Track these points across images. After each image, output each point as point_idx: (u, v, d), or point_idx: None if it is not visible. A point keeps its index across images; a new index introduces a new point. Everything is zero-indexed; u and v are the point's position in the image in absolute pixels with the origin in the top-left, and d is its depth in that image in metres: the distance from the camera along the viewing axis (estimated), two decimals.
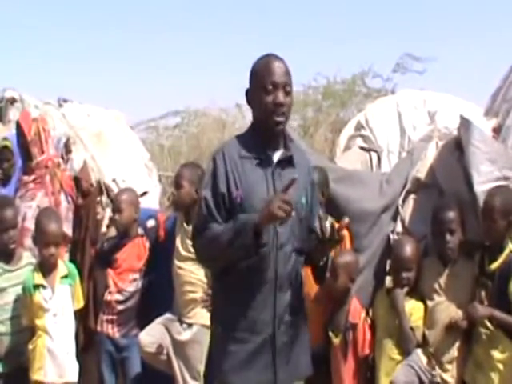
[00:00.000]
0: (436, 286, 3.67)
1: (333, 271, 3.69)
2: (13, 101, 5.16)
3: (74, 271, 4.05)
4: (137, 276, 4.32)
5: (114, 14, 23.89)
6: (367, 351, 3.75)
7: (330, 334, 3.75)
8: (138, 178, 5.20)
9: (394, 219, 4.04)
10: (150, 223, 4.46)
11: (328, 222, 2.58)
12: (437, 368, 3.63)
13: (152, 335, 4.11)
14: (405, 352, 3.67)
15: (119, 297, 4.29)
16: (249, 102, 2.74)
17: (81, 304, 4.08)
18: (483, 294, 3.52)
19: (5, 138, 4.73)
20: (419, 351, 3.67)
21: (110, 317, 4.30)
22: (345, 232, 3.83)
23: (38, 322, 3.83)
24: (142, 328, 4.19)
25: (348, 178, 4.17)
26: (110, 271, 4.33)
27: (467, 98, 4.94)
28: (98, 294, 4.41)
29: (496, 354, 3.44)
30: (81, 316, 4.23)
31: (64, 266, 3.98)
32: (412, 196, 4.06)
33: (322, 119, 10.40)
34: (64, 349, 3.88)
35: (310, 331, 2.85)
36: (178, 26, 22.16)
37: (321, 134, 9.67)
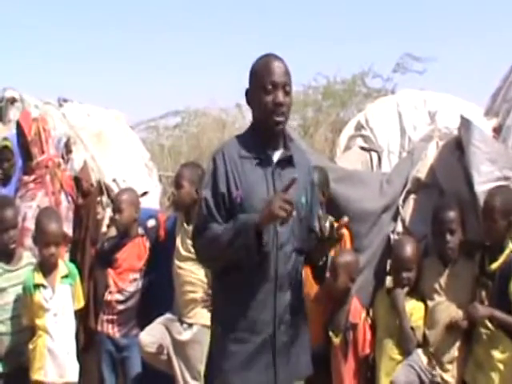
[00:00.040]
0: (436, 285, 3.67)
1: (333, 271, 3.69)
2: (13, 100, 5.16)
3: (75, 271, 4.05)
4: (137, 276, 4.32)
5: (114, 14, 23.91)
6: (367, 351, 3.75)
7: (331, 333, 3.75)
8: (139, 177, 5.20)
9: (395, 219, 4.04)
10: (151, 223, 4.47)
11: (327, 221, 2.57)
12: (437, 368, 3.63)
13: (152, 335, 4.11)
14: (405, 352, 3.67)
15: (119, 297, 4.29)
16: (248, 101, 2.74)
17: (81, 304, 4.08)
18: (483, 294, 3.52)
19: (5, 138, 4.73)
20: (419, 351, 3.67)
21: (111, 317, 4.30)
22: (345, 231, 3.84)
23: (38, 321, 3.83)
24: (142, 328, 4.19)
25: (348, 178, 4.17)
26: (110, 271, 4.33)
27: (467, 98, 4.95)
28: (99, 293, 4.41)
29: (496, 354, 3.44)
30: (81, 316, 4.23)
31: (64, 265, 3.98)
32: (412, 196, 4.06)
33: (322, 119, 10.39)
34: (64, 349, 3.88)
35: (310, 331, 2.85)
36: (178, 26, 22.19)
37: (321, 134, 9.67)
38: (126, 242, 4.36)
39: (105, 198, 4.71)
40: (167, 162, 9.30)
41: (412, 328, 3.66)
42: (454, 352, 3.62)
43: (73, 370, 3.91)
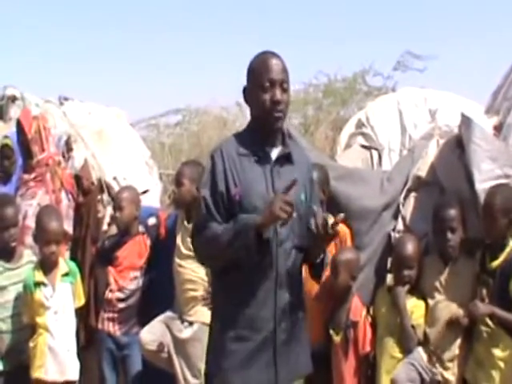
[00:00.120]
0: (437, 283, 3.67)
1: (334, 269, 3.69)
2: (14, 99, 5.16)
3: (75, 269, 4.05)
4: (137, 274, 4.32)
5: (115, 14, 23.93)
6: (368, 349, 3.75)
7: (331, 331, 3.75)
8: (139, 175, 5.19)
9: (395, 217, 4.04)
10: (151, 221, 4.47)
11: (321, 217, 2.56)
12: (438, 366, 3.63)
13: (153, 333, 4.12)
14: (406, 350, 3.67)
15: (120, 295, 4.29)
16: (246, 99, 2.73)
17: (82, 302, 4.09)
18: (484, 291, 3.51)
19: (5, 136, 4.73)
20: (420, 349, 3.67)
21: (111, 315, 4.31)
22: (345, 229, 3.84)
23: (38, 319, 3.83)
24: (142, 326, 4.19)
25: (349, 176, 4.17)
26: (110, 269, 4.33)
27: (468, 96, 4.94)
28: (99, 291, 4.41)
29: (497, 352, 3.44)
30: (82, 314, 4.24)
31: (65, 263, 3.99)
32: (413, 194, 4.05)
33: (323, 117, 10.40)
34: (65, 346, 3.88)
35: (310, 329, 2.84)
36: (179, 26, 22.16)
37: (321, 132, 9.67)
38: (126, 240, 4.36)
39: (105, 196, 4.72)
40: (168, 160, 9.31)
41: (413, 326, 3.66)
42: (455, 350, 3.61)
43: (73, 367, 3.92)
